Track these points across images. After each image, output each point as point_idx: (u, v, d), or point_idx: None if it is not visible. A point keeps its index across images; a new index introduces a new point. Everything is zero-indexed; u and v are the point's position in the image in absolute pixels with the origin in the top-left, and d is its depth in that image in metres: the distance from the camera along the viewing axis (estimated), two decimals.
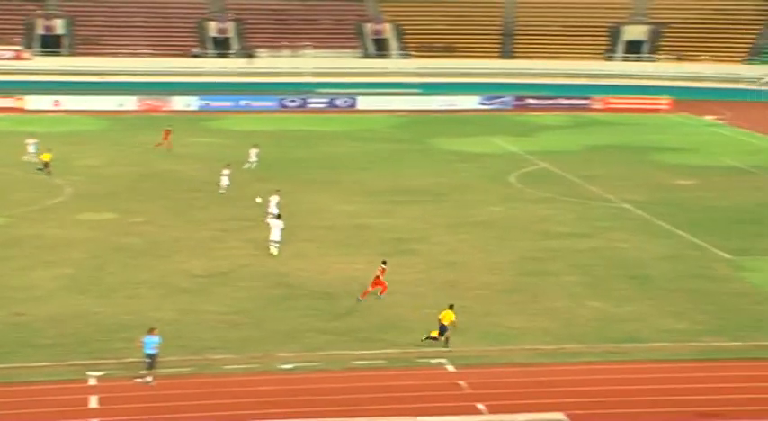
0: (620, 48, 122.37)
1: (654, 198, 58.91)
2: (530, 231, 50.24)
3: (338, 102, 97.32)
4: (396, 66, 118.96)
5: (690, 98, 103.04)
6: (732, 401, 30.34)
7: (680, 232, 50.57)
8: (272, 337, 34.77)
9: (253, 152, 65.32)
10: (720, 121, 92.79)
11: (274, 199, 50.35)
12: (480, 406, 29.62)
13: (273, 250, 44.81)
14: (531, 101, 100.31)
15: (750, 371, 32.66)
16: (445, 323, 33.83)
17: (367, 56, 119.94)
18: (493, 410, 29.03)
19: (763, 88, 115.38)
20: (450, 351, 33.63)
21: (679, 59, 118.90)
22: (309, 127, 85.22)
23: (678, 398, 30.51)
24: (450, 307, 34.28)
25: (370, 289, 38.78)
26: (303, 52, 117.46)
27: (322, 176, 62.53)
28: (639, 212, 55.05)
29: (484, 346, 34.30)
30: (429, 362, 32.76)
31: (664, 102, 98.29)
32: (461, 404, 29.62)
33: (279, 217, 46.76)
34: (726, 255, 46.19)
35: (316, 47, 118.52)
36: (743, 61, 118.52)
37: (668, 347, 34.63)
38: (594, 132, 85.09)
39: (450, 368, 32.46)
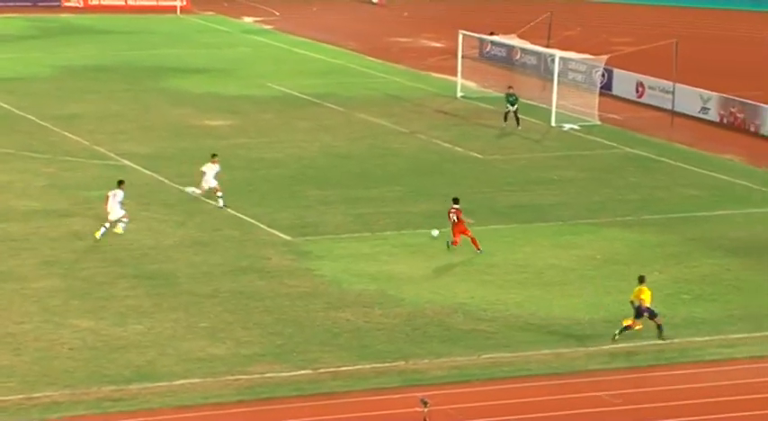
0: None
1: (170, 149, 60.27)
2: None
3: None
4: None
5: None
6: None
7: (214, 203, 51.88)
8: None
9: None
10: (265, 26, 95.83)
11: (211, 169, 51.91)
12: None
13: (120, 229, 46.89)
14: None
15: (316, 415, 33.74)
16: (644, 303, 38.51)
17: None
18: None
19: None
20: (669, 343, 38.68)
21: None
22: None
23: None
24: (641, 279, 39.16)
25: (457, 238, 46.30)
26: None
27: None
28: (150, 173, 56.05)
29: None
30: None
31: None
32: None
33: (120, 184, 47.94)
34: (284, 236, 47.91)
35: None
36: None
37: (199, 385, 35.29)
38: (72, 45, 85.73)
39: None
